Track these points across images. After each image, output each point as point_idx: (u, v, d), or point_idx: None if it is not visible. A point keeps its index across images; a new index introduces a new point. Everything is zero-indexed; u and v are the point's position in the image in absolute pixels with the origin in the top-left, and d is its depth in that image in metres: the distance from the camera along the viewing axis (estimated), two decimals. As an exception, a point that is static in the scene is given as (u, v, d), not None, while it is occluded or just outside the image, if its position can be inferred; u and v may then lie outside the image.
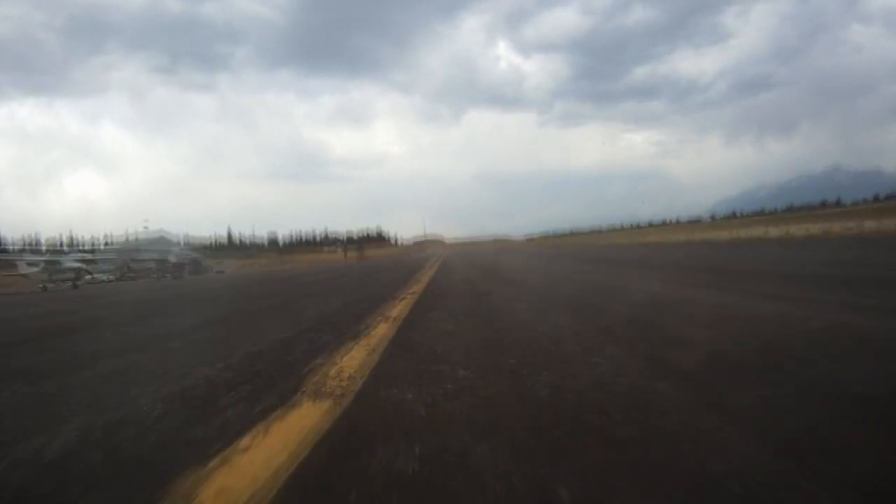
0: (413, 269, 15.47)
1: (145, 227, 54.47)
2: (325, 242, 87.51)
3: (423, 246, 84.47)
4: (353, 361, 2.43)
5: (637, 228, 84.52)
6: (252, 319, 5.05)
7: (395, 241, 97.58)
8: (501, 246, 54.82)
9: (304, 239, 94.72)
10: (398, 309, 4.58)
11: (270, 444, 1.42)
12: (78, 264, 27.94)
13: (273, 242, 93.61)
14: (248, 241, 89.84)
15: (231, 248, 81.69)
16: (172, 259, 39.77)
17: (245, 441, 1.44)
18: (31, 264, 27.85)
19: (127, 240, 53.68)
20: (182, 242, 60.32)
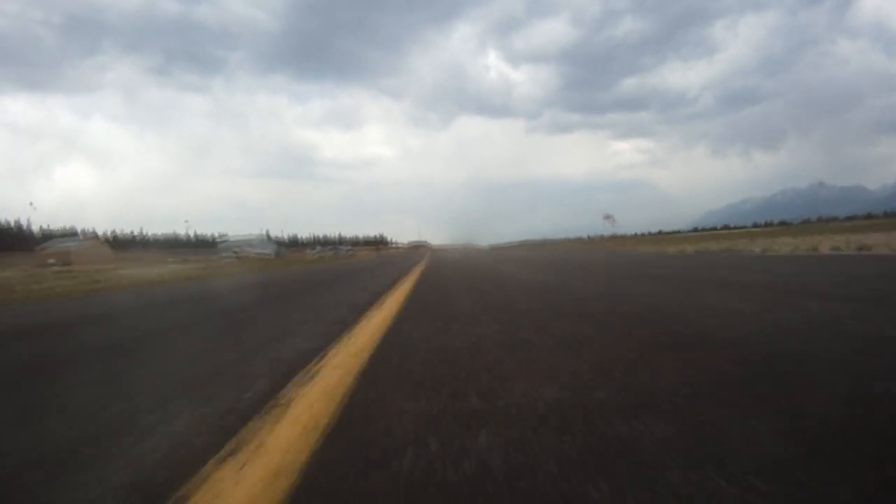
0: (417, 256, 37.58)
1: (262, 230, 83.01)
2: (342, 243, 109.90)
3: (417, 247, 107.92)
4: (423, 262, 24.76)
5: (600, 239, 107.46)
6: (412, 257, 27.30)
7: (395, 243, 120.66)
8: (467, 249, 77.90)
9: (321, 239, 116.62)
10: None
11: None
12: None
13: (294, 241, 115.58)
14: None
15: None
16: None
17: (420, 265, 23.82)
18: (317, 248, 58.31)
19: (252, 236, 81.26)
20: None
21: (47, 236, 72.10)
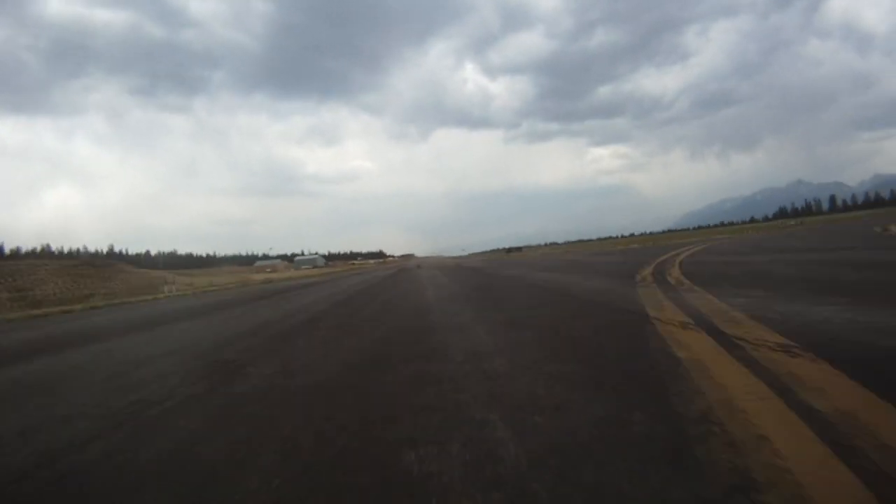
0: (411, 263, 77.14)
1: (308, 251, 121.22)
2: (352, 256, 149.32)
3: (407, 259, 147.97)
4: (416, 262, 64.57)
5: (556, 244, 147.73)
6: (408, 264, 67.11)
7: (392, 256, 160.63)
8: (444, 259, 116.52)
9: (331, 254, 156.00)
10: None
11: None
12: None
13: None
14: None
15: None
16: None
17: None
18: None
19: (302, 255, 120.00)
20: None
21: (252, 258, 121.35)
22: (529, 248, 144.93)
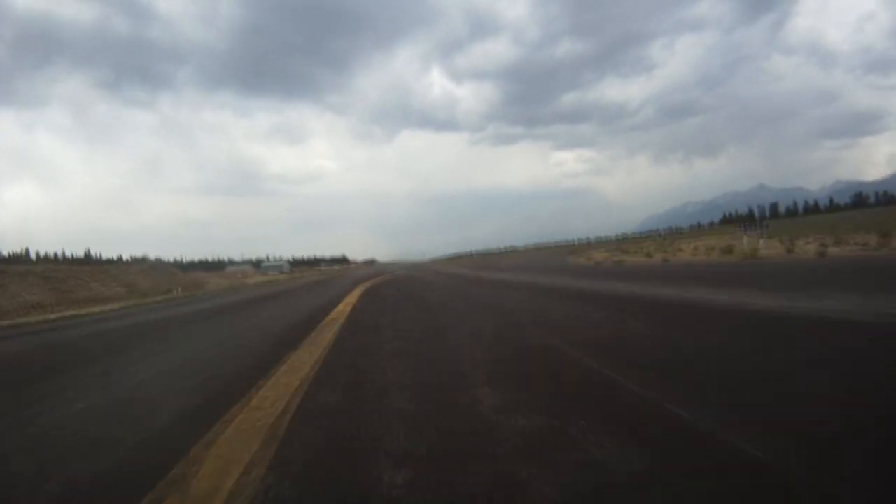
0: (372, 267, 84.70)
1: (272, 256, 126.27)
2: (316, 262, 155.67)
3: (369, 264, 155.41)
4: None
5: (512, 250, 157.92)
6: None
7: (354, 261, 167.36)
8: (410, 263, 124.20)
9: (295, 258, 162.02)
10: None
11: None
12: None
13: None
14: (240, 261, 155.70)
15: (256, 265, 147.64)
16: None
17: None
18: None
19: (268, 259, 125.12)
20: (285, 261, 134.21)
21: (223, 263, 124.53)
22: (491, 253, 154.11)
